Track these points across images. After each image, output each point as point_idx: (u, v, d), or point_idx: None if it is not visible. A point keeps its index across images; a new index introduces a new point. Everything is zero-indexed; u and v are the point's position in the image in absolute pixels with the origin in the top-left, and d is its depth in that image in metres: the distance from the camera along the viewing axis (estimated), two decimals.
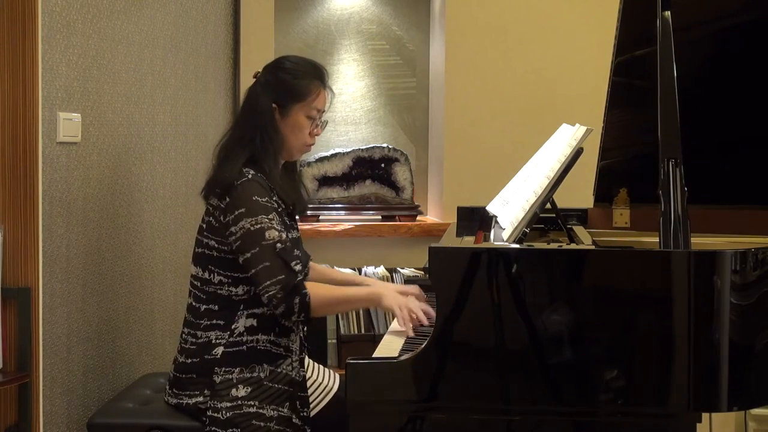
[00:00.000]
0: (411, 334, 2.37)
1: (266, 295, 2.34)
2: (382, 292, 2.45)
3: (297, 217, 2.64)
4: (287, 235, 2.40)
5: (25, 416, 2.47)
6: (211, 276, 2.46)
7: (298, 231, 2.63)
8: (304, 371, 2.46)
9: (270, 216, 2.37)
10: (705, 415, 2.54)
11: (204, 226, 2.48)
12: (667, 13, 2.32)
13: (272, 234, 2.35)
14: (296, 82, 2.51)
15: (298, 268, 2.36)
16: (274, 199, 2.43)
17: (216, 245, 2.44)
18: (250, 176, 2.40)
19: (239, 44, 3.90)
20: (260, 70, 2.59)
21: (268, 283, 2.33)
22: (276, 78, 2.52)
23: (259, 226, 2.35)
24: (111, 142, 2.88)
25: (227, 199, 2.40)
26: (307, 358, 2.60)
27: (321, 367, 2.63)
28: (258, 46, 3.87)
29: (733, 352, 2.01)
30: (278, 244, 2.34)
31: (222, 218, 2.41)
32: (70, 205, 2.64)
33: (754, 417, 3.42)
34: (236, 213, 2.37)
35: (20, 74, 2.44)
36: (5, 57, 2.44)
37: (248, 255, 2.36)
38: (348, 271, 3.86)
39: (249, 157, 2.45)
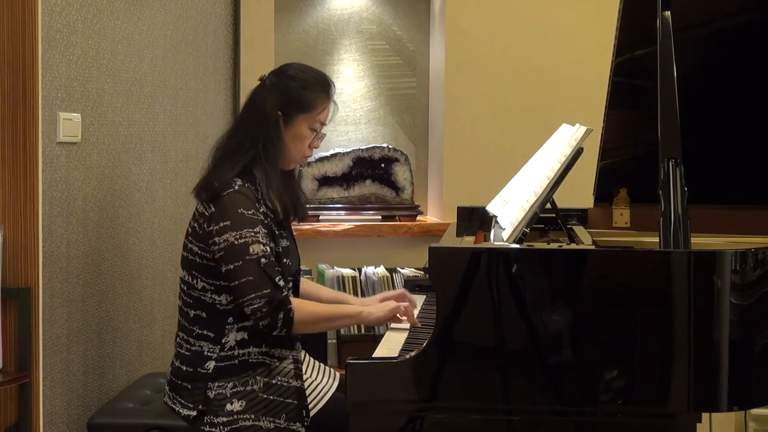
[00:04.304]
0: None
1: (250, 307, 2.33)
2: (367, 312, 2.46)
3: (293, 223, 2.63)
4: (272, 249, 2.39)
5: (25, 416, 2.47)
6: (195, 281, 2.45)
7: (293, 239, 2.61)
8: (301, 381, 2.44)
9: (255, 229, 2.36)
10: (705, 415, 2.54)
11: (190, 230, 2.47)
12: (667, 13, 2.32)
13: (256, 248, 2.34)
14: (305, 93, 2.50)
15: (282, 283, 2.35)
16: (261, 210, 2.41)
17: (199, 251, 2.43)
18: (236, 187, 2.38)
19: (239, 44, 3.90)
20: (266, 73, 2.56)
21: (253, 296, 2.32)
22: (284, 85, 2.50)
23: (243, 240, 2.34)
24: (111, 142, 2.88)
25: (212, 209, 2.38)
26: (306, 356, 2.60)
27: (320, 366, 2.61)
28: (258, 47, 3.87)
29: (733, 352, 2.01)
30: (263, 259, 2.33)
31: (206, 226, 2.40)
32: (70, 205, 2.64)
33: (754, 417, 3.42)
34: (221, 225, 2.36)
35: (20, 74, 2.44)
36: (5, 57, 2.44)
37: (231, 267, 2.35)
38: (348, 271, 3.86)
39: (248, 162, 2.44)
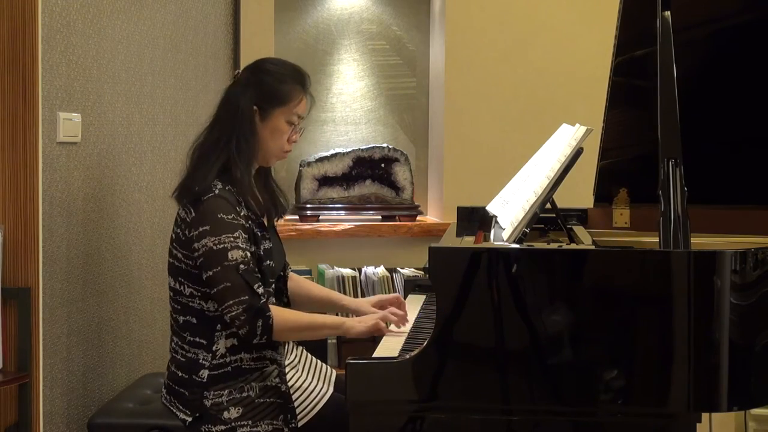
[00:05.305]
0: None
1: (229, 314, 2.32)
2: (349, 324, 2.42)
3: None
4: (252, 254, 2.37)
5: (25, 416, 2.47)
6: (182, 288, 2.43)
7: (277, 238, 2.60)
8: (286, 385, 2.42)
9: (235, 234, 2.34)
10: (705, 415, 2.54)
11: (173, 236, 2.45)
12: (667, 13, 2.32)
13: (235, 254, 2.32)
14: (279, 86, 2.47)
15: (261, 290, 2.33)
16: (242, 214, 2.39)
17: (183, 258, 2.41)
18: (217, 191, 2.36)
19: (239, 44, 3.90)
20: (239, 70, 2.55)
21: (231, 302, 2.30)
22: (258, 80, 2.48)
23: (222, 245, 2.32)
24: (111, 142, 2.88)
25: (193, 214, 2.37)
26: (304, 354, 2.60)
27: (317, 366, 2.61)
28: (258, 46, 3.87)
29: (733, 352, 2.01)
30: (241, 265, 2.31)
31: (187, 232, 2.38)
32: (70, 205, 2.64)
33: (754, 417, 3.42)
34: (200, 230, 2.35)
35: (20, 74, 2.44)
36: (5, 57, 2.44)
37: (210, 273, 2.33)
38: (348, 271, 3.86)
39: (224, 162, 2.41)
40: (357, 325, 2.41)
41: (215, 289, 2.33)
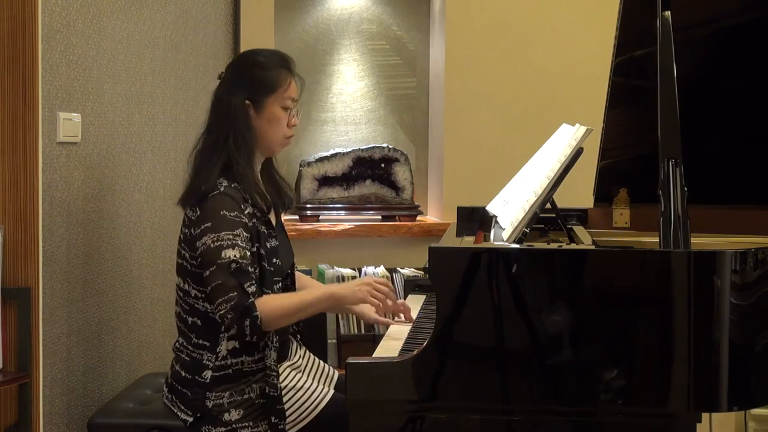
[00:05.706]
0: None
1: (218, 314, 2.31)
2: (340, 291, 2.39)
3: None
4: (252, 254, 2.36)
5: (25, 416, 2.47)
6: (189, 289, 2.44)
7: (285, 236, 2.60)
8: (280, 384, 2.40)
9: (235, 232, 2.33)
10: (705, 415, 2.54)
11: (181, 236, 2.45)
12: (667, 13, 2.32)
13: (229, 253, 2.30)
14: (266, 73, 2.47)
15: (251, 289, 2.31)
16: (247, 212, 2.39)
17: (189, 258, 2.42)
18: (222, 188, 2.36)
19: (239, 44, 3.90)
20: (223, 70, 2.55)
21: (220, 300, 2.30)
22: (245, 74, 2.48)
23: (218, 243, 2.31)
24: (111, 142, 2.88)
25: (198, 212, 2.37)
26: (306, 354, 2.59)
27: (318, 366, 2.61)
28: (258, 47, 3.86)
29: (733, 352, 2.01)
30: (233, 264, 2.30)
31: (193, 231, 2.38)
32: (70, 205, 2.64)
33: (754, 417, 3.42)
34: (202, 227, 2.34)
35: (20, 74, 2.44)
36: (5, 57, 2.44)
37: (207, 273, 2.33)
38: (348, 271, 3.86)
39: (225, 161, 2.41)
40: (349, 294, 2.38)
41: (209, 288, 2.34)
